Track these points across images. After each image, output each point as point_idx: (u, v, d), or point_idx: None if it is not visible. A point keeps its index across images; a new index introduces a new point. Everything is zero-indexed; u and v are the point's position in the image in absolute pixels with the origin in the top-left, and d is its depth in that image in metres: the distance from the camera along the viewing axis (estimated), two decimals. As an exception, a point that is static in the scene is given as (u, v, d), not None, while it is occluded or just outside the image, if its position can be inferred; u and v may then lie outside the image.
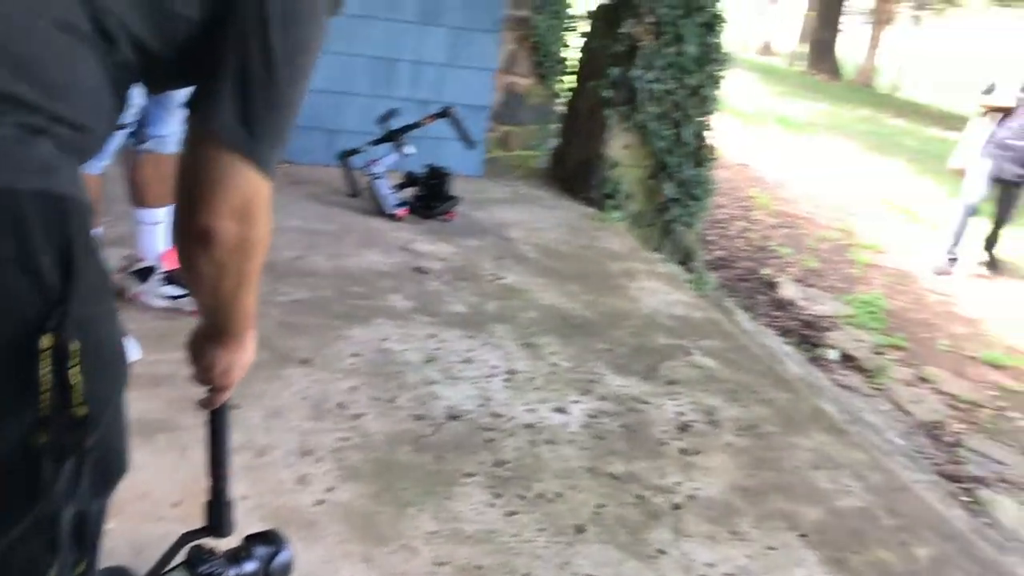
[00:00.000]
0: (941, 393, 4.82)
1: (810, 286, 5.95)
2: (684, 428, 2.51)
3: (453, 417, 2.36)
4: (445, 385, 2.52)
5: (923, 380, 4.92)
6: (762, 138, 11.39)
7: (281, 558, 1.37)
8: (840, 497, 2.30)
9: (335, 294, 3.02)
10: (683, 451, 2.38)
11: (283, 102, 0.96)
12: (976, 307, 6.15)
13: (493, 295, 3.22)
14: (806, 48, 28.36)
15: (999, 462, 4.23)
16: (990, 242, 6.81)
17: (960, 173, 6.81)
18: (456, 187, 4.04)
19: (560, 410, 2.49)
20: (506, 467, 2.17)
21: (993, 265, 6.85)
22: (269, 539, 1.39)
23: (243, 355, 1.15)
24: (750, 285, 5.60)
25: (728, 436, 2.51)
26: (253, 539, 1.39)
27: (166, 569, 1.33)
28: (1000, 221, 6.73)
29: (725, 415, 2.63)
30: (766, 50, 44.32)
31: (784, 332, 5.00)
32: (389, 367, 2.57)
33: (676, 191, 4.31)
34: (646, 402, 2.62)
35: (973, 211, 6.64)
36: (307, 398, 2.32)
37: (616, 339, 3.03)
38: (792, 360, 4.06)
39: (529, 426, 2.37)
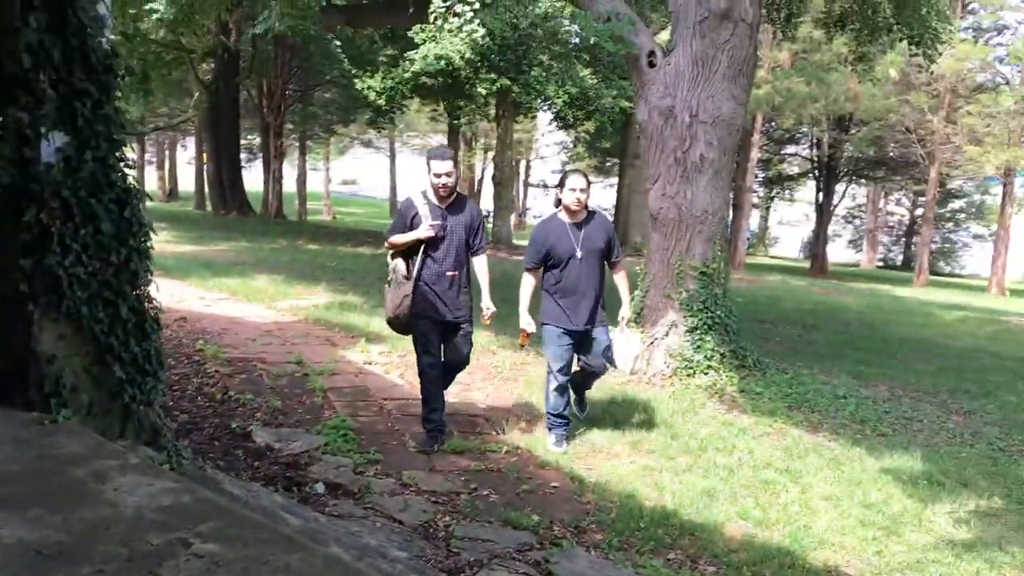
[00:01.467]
0: (422, 492, 5.20)
1: (280, 426, 6.02)
2: (207, 630, 2.36)
3: None
4: None
5: (404, 485, 5.26)
6: (193, 287, 11.32)
7: None
8: (377, 641, 2.35)
9: None
10: (213, 656, 2.23)
11: None
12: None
13: (-63, 552, 2.70)
14: (212, 189, 28.88)
15: (486, 540, 4.69)
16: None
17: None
18: None
19: (62, 664, 2.17)
20: None
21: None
22: None
23: None
24: (224, 442, 5.48)
25: (253, 621, 2.42)
26: None
27: None
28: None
29: (244, 599, 2.53)
30: (172, 196, 44.30)
31: (269, 481, 4.98)
32: None
33: (127, 371, 4.07)
34: (157, 616, 2.41)
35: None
36: None
37: (104, 556, 2.74)
38: (289, 512, 4.05)
39: None
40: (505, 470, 5.68)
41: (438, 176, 5.67)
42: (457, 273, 5.82)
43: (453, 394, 7.29)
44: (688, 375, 8.13)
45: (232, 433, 5.71)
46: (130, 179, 4.07)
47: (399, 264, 5.80)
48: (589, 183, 6.09)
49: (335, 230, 26.62)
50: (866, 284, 25.35)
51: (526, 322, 6.06)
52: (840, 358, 10.60)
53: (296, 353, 7.94)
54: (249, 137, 40.11)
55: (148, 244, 4.20)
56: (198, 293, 10.84)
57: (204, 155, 32.48)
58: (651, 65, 8.16)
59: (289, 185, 37.63)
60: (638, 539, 4.89)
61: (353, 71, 20.22)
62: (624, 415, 6.97)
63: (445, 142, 33.85)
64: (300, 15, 9.44)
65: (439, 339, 5.94)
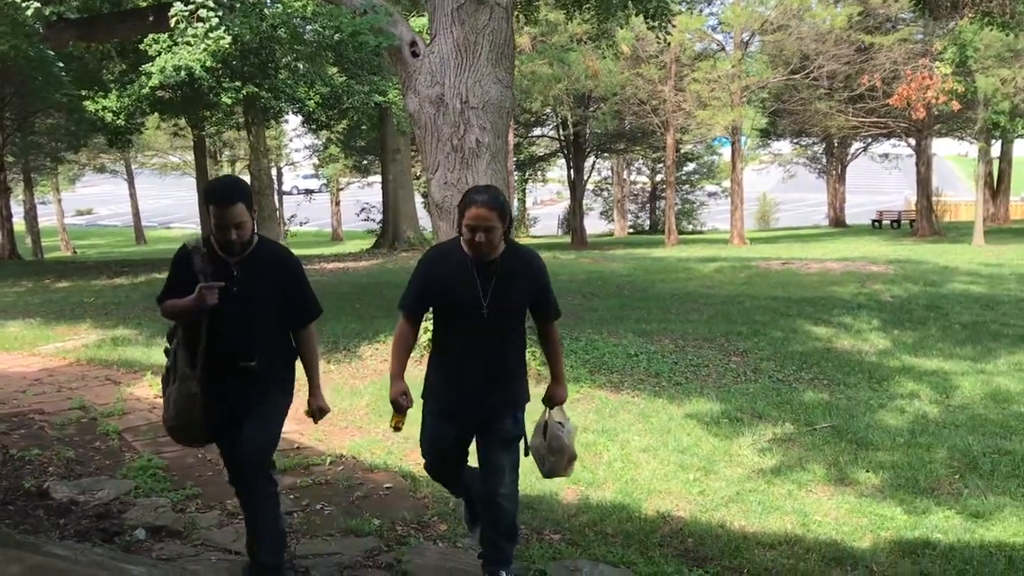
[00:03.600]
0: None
1: (80, 477, 5.53)
2: None
3: None
4: None
5: (231, 514, 5.01)
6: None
7: None
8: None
9: None
10: None
11: None
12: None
13: None
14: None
15: (332, 553, 4.55)
16: None
17: None
18: None
19: None
20: None
21: None
22: None
23: None
24: (19, 505, 4.94)
25: None
26: None
27: None
28: None
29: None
30: None
31: (82, 536, 4.56)
32: None
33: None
34: None
35: None
36: None
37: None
38: (127, 563, 3.73)
39: None
40: (334, 480, 5.55)
41: (222, 228, 3.63)
42: (256, 362, 3.76)
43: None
44: (491, 357, 8.24)
45: (26, 493, 5.16)
46: None
47: (181, 349, 3.81)
48: (506, 213, 3.69)
49: (81, 264, 24.68)
50: (624, 250, 26.80)
51: (397, 392, 3.82)
52: (622, 320, 11.16)
53: (77, 398, 7.30)
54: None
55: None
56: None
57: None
58: (415, 55, 8.16)
59: (19, 223, 34.43)
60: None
61: (82, 92, 18.75)
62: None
63: (190, 157, 32.20)
64: (24, 33, 8.58)
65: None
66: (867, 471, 5.77)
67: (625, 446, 6.18)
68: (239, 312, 3.71)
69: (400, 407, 3.84)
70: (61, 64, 15.66)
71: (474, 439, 4.01)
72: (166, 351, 3.93)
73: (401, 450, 6.09)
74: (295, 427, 6.71)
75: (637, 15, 12.12)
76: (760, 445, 6.28)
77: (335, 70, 19.96)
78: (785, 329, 10.47)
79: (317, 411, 4.03)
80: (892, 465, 5.85)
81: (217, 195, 3.63)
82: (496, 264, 3.74)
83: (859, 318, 11.24)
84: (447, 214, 8.18)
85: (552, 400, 4.08)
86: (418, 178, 28.91)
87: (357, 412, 7.05)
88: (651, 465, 5.84)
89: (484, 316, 3.73)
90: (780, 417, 6.91)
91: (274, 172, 44.20)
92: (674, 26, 12.46)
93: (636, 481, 5.57)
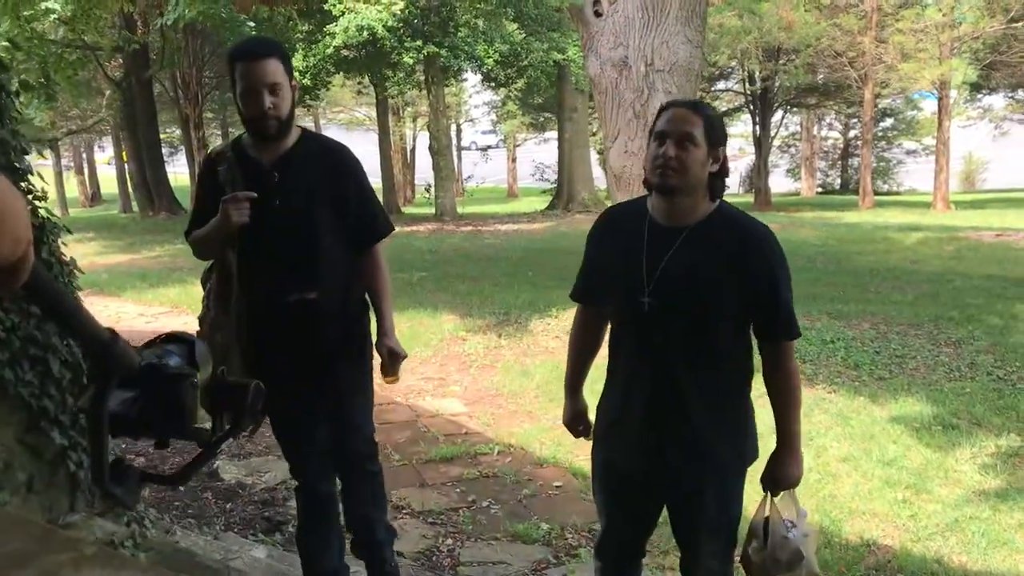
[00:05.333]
0: (416, 514, 4.72)
1: (249, 456, 5.47)
2: None
3: None
4: None
5: (396, 507, 4.77)
6: (131, 303, 10.59)
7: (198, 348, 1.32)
8: None
9: None
10: None
11: None
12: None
13: None
14: (138, 190, 27.64)
15: (497, 562, 4.25)
16: None
17: None
18: None
19: None
20: None
21: None
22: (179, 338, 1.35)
23: None
24: (190, 486, 4.92)
25: None
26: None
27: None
28: None
29: None
30: (95, 200, 42.65)
31: (247, 525, 4.46)
32: None
33: (68, 435, 3.50)
34: None
35: None
36: None
37: None
38: (277, 572, 3.54)
39: None
40: (501, 474, 5.24)
41: (251, 92, 2.62)
42: (314, 294, 2.80)
43: (428, 391, 6.82)
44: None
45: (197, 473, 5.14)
46: (41, 212, 3.46)
47: (212, 283, 2.88)
48: (717, 133, 2.33)
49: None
50: (813, 213, 25.28)
51: (569, 415, 2.81)
52: (815, 298, 10.30)
53: (254, 366, 7.35)
54: (168, 131, 38.71)
55: (74, 284, 3.62)
56: (137, 309, 10.11)
57: (124, 154, 31.19)
58: (598, 15, 7.63)
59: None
60: (659, 536, 4.48)
61: (271, 52, 19.38)
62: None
63: (373, 115, 32.92)
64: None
65: (308, 425, 3.06)
66: (1119, 503, 4.90)
67: (822, 454, 5.54)
68: (285, 230, 2.76)
69: (578, 435, 2.84)
70: (252, 24, 16.12)
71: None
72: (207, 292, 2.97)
73: (573, 442, 5.68)
74: (464, 408, 6.49)
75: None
76: (981, 460, 5.48)
77: (514, 27, 19.62)
78: (1004, 315, 9.31)
79: (387, 356, 2.86)
80: None
81: (243, 49, 2.69)
82: (688, 232, 2.33)
83: (1094, 305, 9.89)
84: (626, 185, 7.67)
85: (774, 480, 2.54)
86: (595, 135, 28.33)
87: (527, 395, 6.72)
88: (852, 479, 5.19)
89: (645, 310, 2.35)
90: (1004, 425, 6.04)
91: (453, 129, 44.72)
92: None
93: (835, 498, 4.95)
